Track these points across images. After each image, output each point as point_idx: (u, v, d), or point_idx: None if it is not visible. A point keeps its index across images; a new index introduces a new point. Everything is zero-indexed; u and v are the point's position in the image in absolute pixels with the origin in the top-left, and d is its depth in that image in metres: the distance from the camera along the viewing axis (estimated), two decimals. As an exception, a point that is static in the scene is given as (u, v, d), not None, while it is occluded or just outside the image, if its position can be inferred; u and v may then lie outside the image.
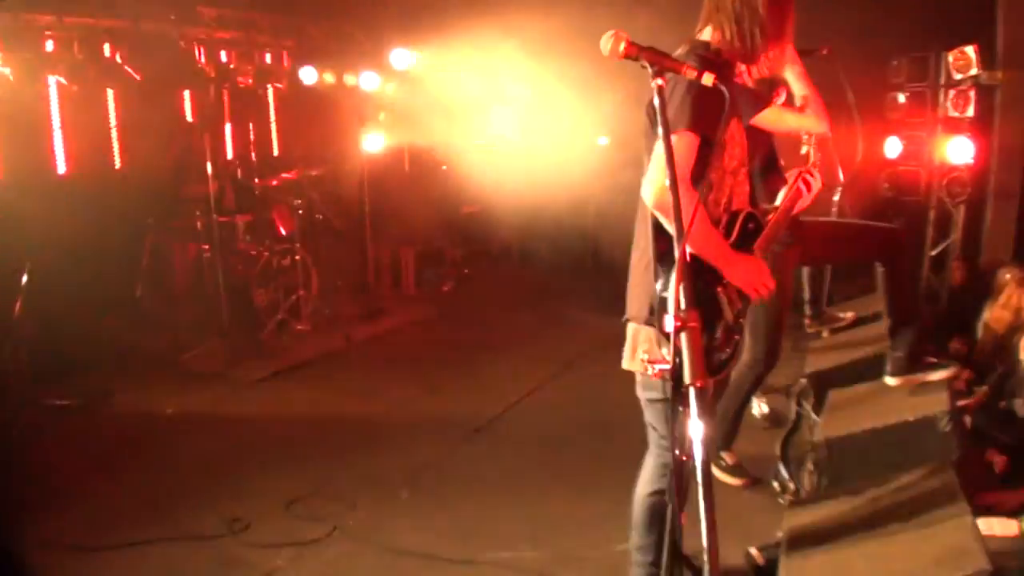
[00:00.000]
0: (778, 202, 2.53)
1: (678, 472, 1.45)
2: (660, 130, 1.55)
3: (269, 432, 4.54)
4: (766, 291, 2.20)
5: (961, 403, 3.91)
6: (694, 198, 1.95)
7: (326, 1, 7.58)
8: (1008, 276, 4.31)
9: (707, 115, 1.99)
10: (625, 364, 2.30)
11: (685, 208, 1.88)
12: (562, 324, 6.83)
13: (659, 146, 1.97)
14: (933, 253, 6.20)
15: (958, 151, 5.58)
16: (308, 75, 7.17)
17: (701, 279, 2.09)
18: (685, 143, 1.97)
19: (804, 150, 2.63)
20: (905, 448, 3.10)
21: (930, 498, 2.63)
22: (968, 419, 3.71)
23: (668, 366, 1.45)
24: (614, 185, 7.42)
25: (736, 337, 2.23)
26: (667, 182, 1.57)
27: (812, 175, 2.55)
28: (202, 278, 6.18)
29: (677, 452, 1.45)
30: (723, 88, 1.62)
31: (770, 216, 2.41)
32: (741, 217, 2.24)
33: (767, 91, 2.83)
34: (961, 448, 3.04)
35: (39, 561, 3.17)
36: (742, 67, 2.25)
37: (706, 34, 2.19)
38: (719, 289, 2.15)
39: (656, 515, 2.31)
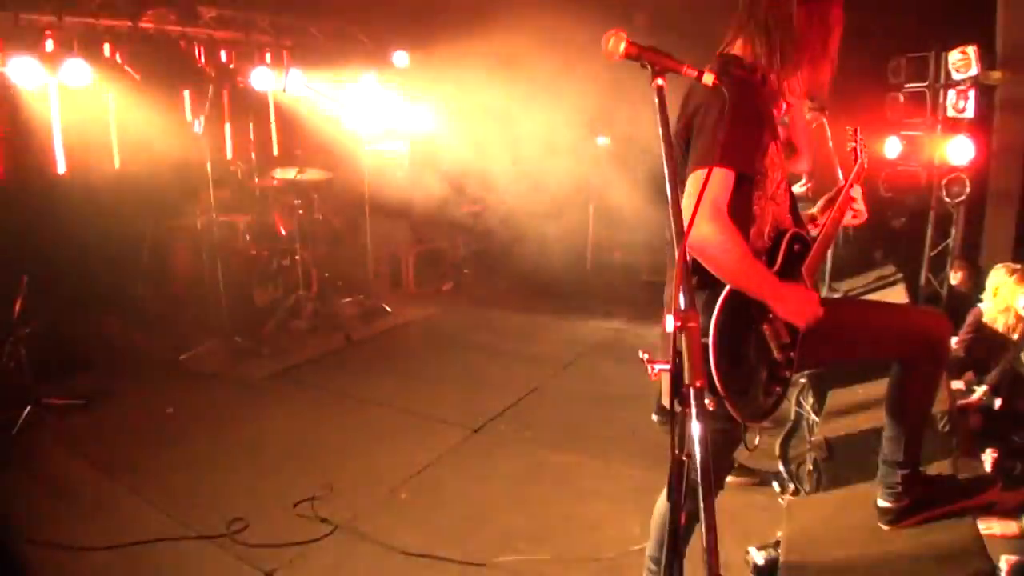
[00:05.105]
0: (816, 210, 2.37)
1: (678, 471, 1.44)
2: (660, 130, 1.53)
3: (269, 432, 4.54)
4: (815, 321, 2.05)
5: (961, 402, 3.92)
6: (734, 232, 1.85)
7: (326, 1, 7.58)
8: (999, 275, 4.31)
9: (742, 148, 1.87)
10: None
11: (724, 243, 1.86)
12: (561, 324, 6.83)
13: (689, 182, 1.89)
14: (933, 253, 6.21)
15: (958, 151, 5.59)
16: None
17: (744, 320, 1.98)
18: (719, 179, 1.84)
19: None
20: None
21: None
22: (972, 419, 3.72)
23: (668, 366, 1.44)
24: (613, 185, 7.45)
25: (786, 374, 2.09)
26: (700, 219, 1.49)
27: (854, 198, 2.37)
28: (202, 278, 6.18)
29: (677, 451, 1.45)
30: (724, 91, 1.60)
31: (816, 234, 2.24)
32: (786, 239, 2.09)
33: None
34: (961, 448, 3.04)
35: (40, 561, 3.17)
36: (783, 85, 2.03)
37: (737, 47, 2.06)
38: (764, 326, 2.02)
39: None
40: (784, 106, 2.36)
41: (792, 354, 2.09)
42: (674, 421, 1.41)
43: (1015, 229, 5.74)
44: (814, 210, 2.39)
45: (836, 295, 5.47)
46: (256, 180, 6.76)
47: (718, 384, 1.88)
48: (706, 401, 1.35)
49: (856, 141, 2.59)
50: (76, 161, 6.18)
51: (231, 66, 7.13)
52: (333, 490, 3.75)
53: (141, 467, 4.03)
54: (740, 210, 1.97)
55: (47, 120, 5.95)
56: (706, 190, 1.69)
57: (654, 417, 4.55)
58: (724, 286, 1.94)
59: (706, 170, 1.80)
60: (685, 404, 1.36)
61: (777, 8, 1.96)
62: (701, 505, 1.30)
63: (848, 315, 2.29)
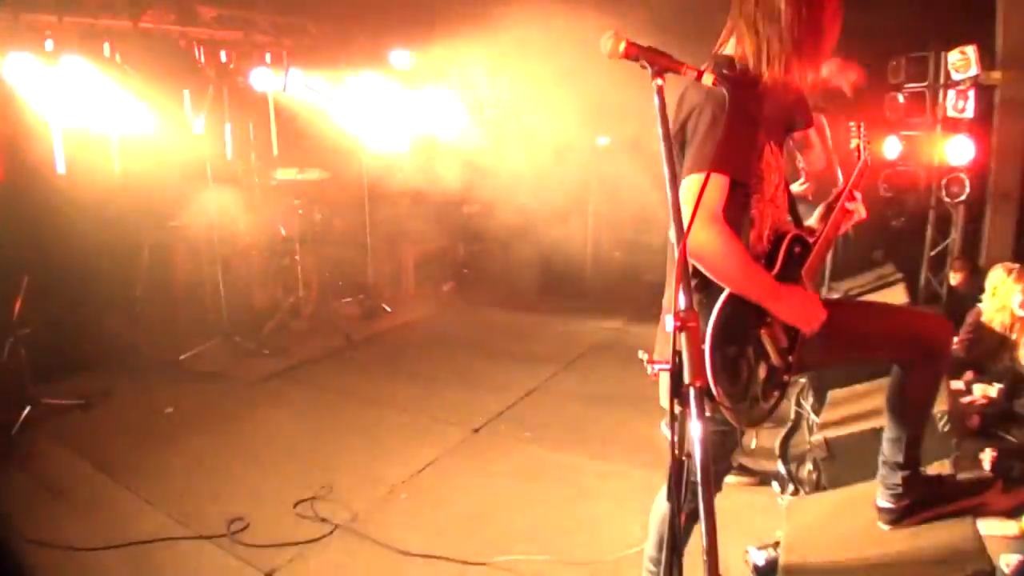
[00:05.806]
0: (814, 221, 2.32)
1: (678, 472, 1.44)
2: (660, 130, 1.53)
3: (269, 432, 4.54)
4: (818, 323, 2.01)
5: (964, 400, 3.92)
6: (731, 237, 1.84)
7: (326, 1, 7.58)
8: (997, 274, 4.31)
9: (737, 153, 1.86)
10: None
11: (722, 248, 1.84)
12: (561, 324, 6.83)
13: (684, 186, 1.86)
14: (933, 253, 6.22)
15: (958, 151, 5.60)
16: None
17: (741, 326, 1.95)
18: (714, 185, 1.80)
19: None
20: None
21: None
22: (972, 419, 3.72)
23: (667, 366, 1.44)
24: (613, 185, 7.44)
25: (785, 378, 2.06)
26: (697, 225, 1.52)
27: (855, 197, 2.33)
28: (202, 278, 6.18)
29: (677, 452, 1.45)
30: (724, 91, 1.59)
31: (815, 237, 2.20)
32: (787, 241, 2.07)
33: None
34: (960, 448, 3.04)
35: (39, 561, 3.17)
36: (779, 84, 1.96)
37: (730, 48, 2.02)
38: (763, 331, 1.99)
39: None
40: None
41: (790, 358, 2.07)
42: (674, 421, 1.42)
43: (1015, 229, 5.74)
44: (811, 221, 2.36)
45: (836, 295, 5.46)
46: (256, 180, 6.76)
47: (715, 391, 1.87)
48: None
49: (859, 138, 2.56)
50: (76, 161, 6.17)
51: (231, 66, 7.13)
52: (333, 490, 3.75)
53: (141, 467, 4.03)
54: (738, 214, 1.95)
55: (47, 120, 5.95)
56: (702, 196, 1.67)
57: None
58: (720, 292, 1.92)
59: (701, 175, 1.77)
60: (685, 404, 1.37)
61: (766, 6, 1.93)
62: (701, 505, 1.30)
63: (848, 317, 2.25)
